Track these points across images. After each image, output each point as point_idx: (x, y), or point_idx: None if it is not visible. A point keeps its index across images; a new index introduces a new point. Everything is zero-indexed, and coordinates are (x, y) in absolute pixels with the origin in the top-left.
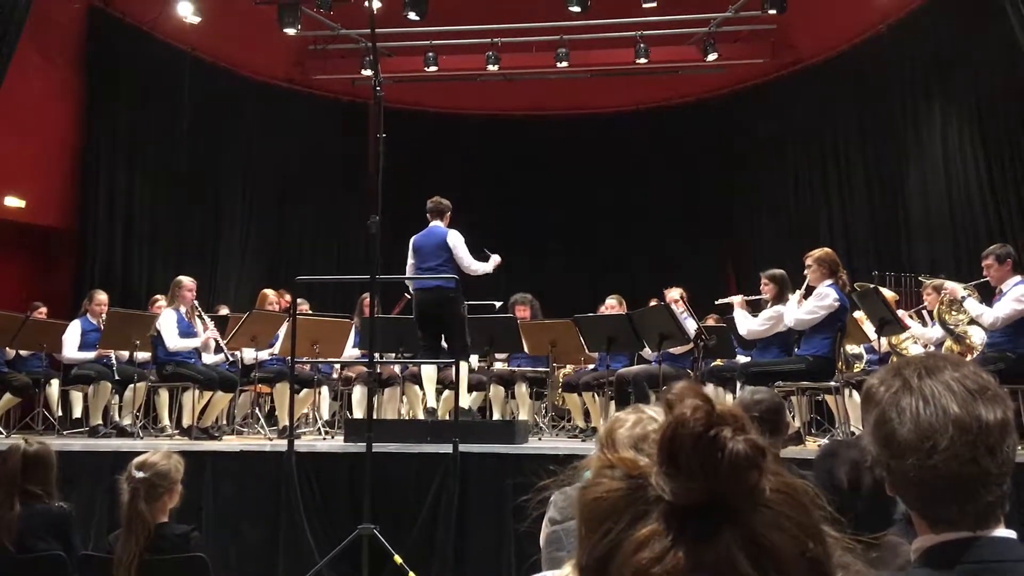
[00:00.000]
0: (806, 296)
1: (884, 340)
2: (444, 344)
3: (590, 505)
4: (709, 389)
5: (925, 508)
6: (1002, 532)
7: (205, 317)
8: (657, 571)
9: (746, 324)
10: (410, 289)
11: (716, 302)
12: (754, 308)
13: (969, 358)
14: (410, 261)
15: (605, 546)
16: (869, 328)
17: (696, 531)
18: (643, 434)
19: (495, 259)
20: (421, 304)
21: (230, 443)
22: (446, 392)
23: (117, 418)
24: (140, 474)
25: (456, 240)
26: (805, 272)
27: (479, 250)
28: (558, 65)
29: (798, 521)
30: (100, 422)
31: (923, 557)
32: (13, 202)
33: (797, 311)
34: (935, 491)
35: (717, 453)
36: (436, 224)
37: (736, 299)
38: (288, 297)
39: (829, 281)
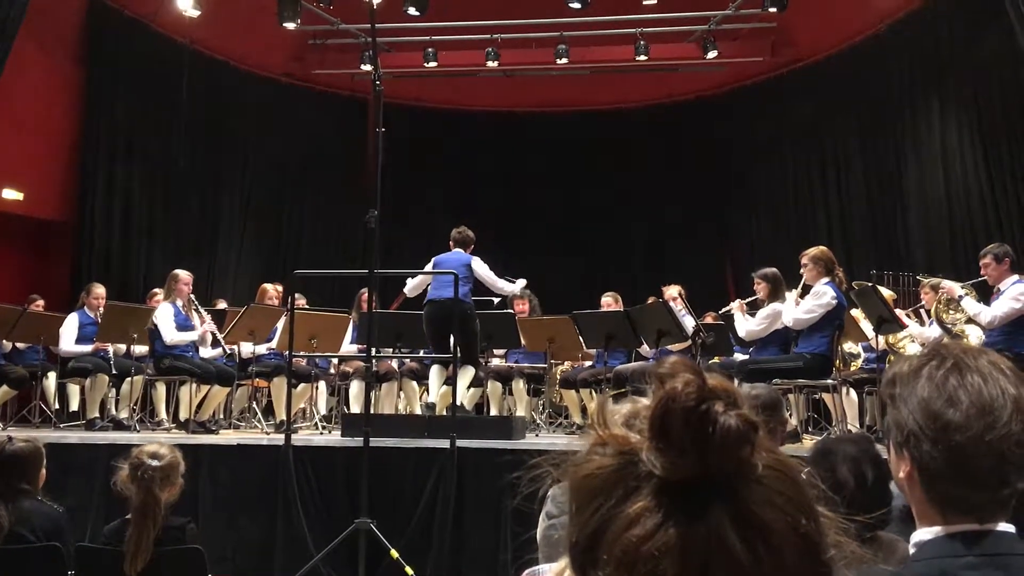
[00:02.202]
0: (803, 295)
1: (882, 339)
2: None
3: (581, 482)
4: None
5: (956, 491)
6: (1005, 527)
7: (202, 310)
8: (647, 548)
9: (745, 326)
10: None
11: (720, 311)
12: (752, 308)
13: None
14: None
15: (595, 523)
16: (867, 326)
17: (687, 507)
18: (635, 410)
19: (521, 282)
20: (435, 320)
21: (227, 437)
22: (443, 388)
23: (114, 411)
24: (155, 463)
25: (479, 266)
26: (801, 271)
27: (502, 276)
28: (558, 62)
29: (791, 498)
30: (97, 415)
31: (933, 544)
32: (11, 194)
33: (795, 311)
34: (978, 471)
35: (708, 428)
36: (459, 251)
37: (735, 304)
38: None
39: (826, 279)
